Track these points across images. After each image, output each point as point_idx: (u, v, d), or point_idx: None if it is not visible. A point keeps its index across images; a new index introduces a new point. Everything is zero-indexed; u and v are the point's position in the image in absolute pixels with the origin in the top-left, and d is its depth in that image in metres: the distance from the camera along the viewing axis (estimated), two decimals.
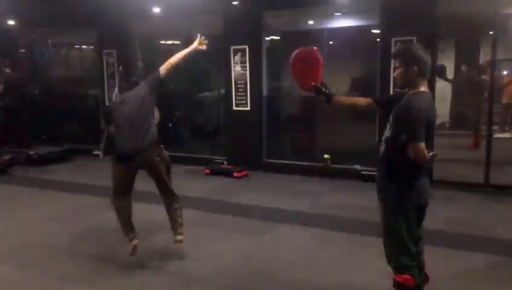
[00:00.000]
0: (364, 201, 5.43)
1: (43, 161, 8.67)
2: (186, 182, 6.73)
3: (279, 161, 7.83)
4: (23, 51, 11.03)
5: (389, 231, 2.80)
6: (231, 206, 5.92)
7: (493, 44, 6.28)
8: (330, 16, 7.12)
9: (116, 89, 5.45)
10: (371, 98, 3.12)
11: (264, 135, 7.90)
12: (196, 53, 4.23)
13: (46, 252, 4.47)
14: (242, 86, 7.76)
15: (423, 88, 2.69)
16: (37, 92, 10.93)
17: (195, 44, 4.19)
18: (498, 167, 6.49)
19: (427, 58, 2.69)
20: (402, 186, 2.69)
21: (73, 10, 8.67)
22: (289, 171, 7.56)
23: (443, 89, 7.56)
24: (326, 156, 7.37)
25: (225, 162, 8.01)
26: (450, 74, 8.19)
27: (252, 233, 4.91)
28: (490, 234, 4.73)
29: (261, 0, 7.46)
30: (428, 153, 2.57)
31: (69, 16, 8.89)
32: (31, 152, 8.74)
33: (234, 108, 7.89)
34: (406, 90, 2.75)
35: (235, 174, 7.41)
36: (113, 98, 5.12)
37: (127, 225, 4.10)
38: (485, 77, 7.20)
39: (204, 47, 4.22)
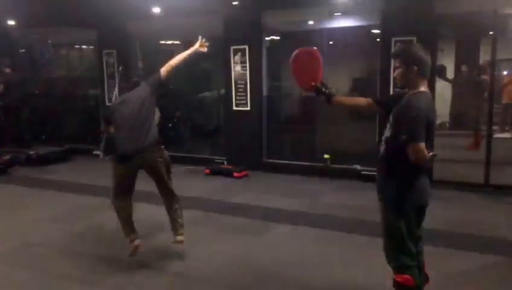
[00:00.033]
0: (364, 201, 5.43)
1: (43, 161, 8.66)
2: (186, 182, 6.73)
3: (279, 161, 7.83)
4: (23, 51, 11.03)
5: (389, 231, 2.80)
6: (231, 206, 5.92)
7: (493, 44, 6.28)
8: (330, 16, 7.12)
9: (116, 89, 5.45)
10: (371, 98, 3.12)
11: (264, 135, 7.90)
12: (197, 54, 4.25)
13: (46, 252, 4.47)
14: (242, 86, 7.76)
15: (423, 88, 2.69)
16: (37, 92, 10.93)
17: (196, 46, 4.21)
18: (498, 167, 6.49)
19: (427, 58, 2.70)
20: (402, 186, 2.69)
21: (73, 10, 8.66)
22: (289, 171, 7.56)
23: (443, 89, 7.57)
24: (326, 156, 7.37)
25: (225, 162, 8.01)
26: (450, 74, 8.20)
27: (252, 233, 4.91)
28: (490, 234, 4.73)
29: (261, 0, 7.46)
30: (428, 153, 2.57)
31: (69, 16, 8.89)
32: (31, 152, 8.74)
33: (234, 108, 7.89)
34: (406, 90, 2.75)
35: (235, 174, 7.41)
36: (113, 98, 5.13)
37: (127, 225, 4.09)
38: (485, 77, 7.21)
39: (205, 49, 4.24)
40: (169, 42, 9.52)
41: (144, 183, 4.27)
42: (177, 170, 4.39)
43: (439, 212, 4.89)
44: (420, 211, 2.80)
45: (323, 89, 3.11)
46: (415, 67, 2.65)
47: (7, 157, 8.18)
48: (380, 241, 2.92)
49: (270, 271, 3.95)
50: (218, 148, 8.52)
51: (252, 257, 4.25)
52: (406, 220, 2.71)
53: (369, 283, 3.64)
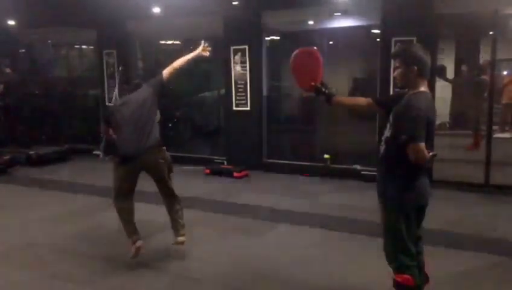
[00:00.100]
0: (364, 201, 5.43)
1: (43, 161, 8.66)
2: (186, 182, 6.73)
3: (279, 161, 7.83)
4: (23, 51, 11.03)
5: (389, 231, 2.80)
6: (231, 206, 5.92)
7: (493, 44, 6.28)
8: (330, 16, 7.12)
9: (116, 89, 5.46)
10: (371, 98, 3.13)
11: (264, 135, 7.90)
12: (199, 58, 4.29)
13: (46, 252, 4.47)
14: (242, 86, 7.75)
15: (423, 88, 2.69)
16: (37, 92, 10.93)
17: (199, 50, 4.24)
18: (498, 167, 6.49)
19: (427, 58, 2.70)
20: (402, 186, 2.69)
21: (73, 10, 8.66)
22: (289, 171, 7.56)
23: (443, 89, 7.57)
24: (326, 156, 7.37)
25: (225, 162, 8.01)
26: (450, 74, 8.21)
27: (252, 233, 4.91)
28: (490, 234, 4.73)
29: (261, 0, 7.46)
30: (428, 153, 2.57)
31: (69, 16, 8.89)
32: (31, 152, 8.74)
33: (234, 108, 7.89)
34: (406, 90, 2.75)
35: (235, 174, 7.41)
36: (113, 98, 5.14)
37: (129, 226, 4.08)
38: (485, 77, 7.20)
39: (207, 53, 4.28)
40: (169, 42, 9.52)
41: (143, 183, 4.27)
42: (175, 170, 4.38)
43: (439, 212, 4.88)
44: (420, 211, 2.80)
45: (323, 89, 3.11)
46: (415, 67, 2.66)
47: (7, 157, 8.18)
48: (380, 241, 2.93)
49: (270, 271, 3.95)
50: (218, 148, 8.52)
51: (252, 257, 4.25)
52: (406, 220, 2.71)
53: (369, 282, 3.64)
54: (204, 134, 9.40)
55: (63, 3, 8.55)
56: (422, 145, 2.55)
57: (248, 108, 7.77)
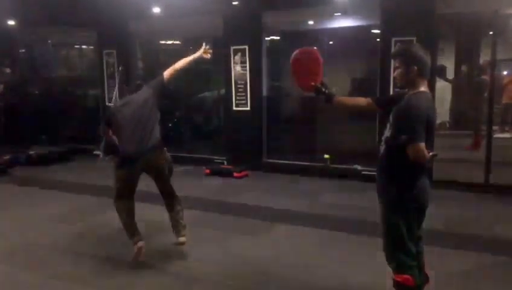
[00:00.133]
0: (364, 201, 5.43)
1: (43, 161, 8.67)
2: (186, 182, 6.72)
3: (279, 161, 7.83)
4: (23, 51, 11.03)
5: (389, 231, 2.80)
6: (231, 206, 5.93)
7: (493, 44, 6.28)
8: (330, 16, 7.13)
9: (116, 89, 5.47)
10: (370, 98, 3.13)
11: (264, 135, 7.90)
12: (199, 59, 4.31)
13: (46, 252, 4.47)
14: (242, 86, 7.75)
15: (423, 88, 2.69)
16: (37, 92, 10.93)
17: (200, 52, 4.26)
18: (498, 167, 6.49)
19: (427, 58, 2.70)
20: (402, 187, 2.69)
21: (73, 10, 8.67)
22: (289, 171, 7.56)
23: (443, 89, 7.56)
24: (326, 156, 7.37)
25: (225, 162, 8.01)
26: (450, 74, 8.20)
27: (252, 233, 4.91)
28: (490, 234, 4.73)
29: (261, 0, 7.46)
30: (428, 153, 2.57)
31: (69, 16, 8.90)
32: (31, 152, 8.74)
33: (234, 108, 7.89)
34: (406, 90, 2.75)
35: (235, 174, 7.41)
36: (113, 98, 5.14)
37: (130, 227, 4.07)
38: (485, 77, 7.20)
39: (208, 56, 4.31)
40: (170, 42, 9.51)
41: (143, 183, 4.27)
42: (175, 170, 4.39)
43: (439, 212, 4.89)
44: (420, 211, 2.80)
45: (323, 89, 3.11)
46: (415, 67, 2.66)
47: (7, 157, 8.19)
48: (380, 241, 2.92)
49: (270, 271, 3.95)
50: (218, 148, 8.51)
51: (252, 257, 4.25)
52: (406, 221, 2.71)
53: (369, 282, 3.64)
54: (204, 134, 9.40)
55: (63, 3, 8.55)
56: (422, 145, 2.55)
57: (248, 108, 7.77)
